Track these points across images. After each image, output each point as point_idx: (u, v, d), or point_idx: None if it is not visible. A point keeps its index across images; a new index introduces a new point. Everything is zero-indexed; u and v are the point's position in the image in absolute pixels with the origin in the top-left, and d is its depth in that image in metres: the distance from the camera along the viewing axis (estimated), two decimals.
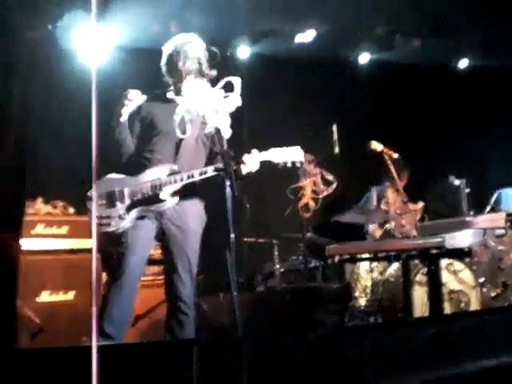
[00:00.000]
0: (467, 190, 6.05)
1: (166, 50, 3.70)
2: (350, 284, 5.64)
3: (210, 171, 3.48)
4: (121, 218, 3.53)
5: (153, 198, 3.53)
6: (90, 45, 5.99)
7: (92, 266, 2.09)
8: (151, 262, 4.83)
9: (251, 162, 3.51)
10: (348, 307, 5.47)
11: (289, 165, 3.65)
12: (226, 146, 3.20)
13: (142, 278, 5.45)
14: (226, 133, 3.24)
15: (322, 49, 7.58)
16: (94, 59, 2.14)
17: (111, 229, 3.52)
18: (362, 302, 5.67)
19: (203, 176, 3.49)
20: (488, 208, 6.06)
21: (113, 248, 3.58)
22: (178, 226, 3.62)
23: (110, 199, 3.55)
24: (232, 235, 3.01)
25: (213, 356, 2.39)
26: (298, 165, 3.65)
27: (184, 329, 3.59)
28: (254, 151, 3.56)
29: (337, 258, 5.60)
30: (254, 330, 4.38)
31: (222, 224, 3.16)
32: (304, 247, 6.16)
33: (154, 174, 3.55)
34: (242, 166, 3.47)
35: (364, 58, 8.21)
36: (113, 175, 3.64)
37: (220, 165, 3.37)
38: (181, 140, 3.58)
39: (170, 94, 3.68)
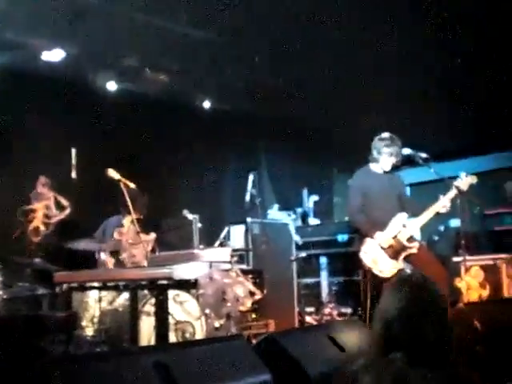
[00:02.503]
0: (199, 225, 6.29)
1: None
2: (77, 313, 5.49)
3: None
4: None
5: None
6: None
7: None
8: None
9: None
10: (74, 337, 5.32)
11: None
12: None
13: None
14: None
15: (69, 70, 7.42)
16: None
17: None
18: (89, 331, 5.55)
19: None
20: (217, 243, 6.36)
21: None
22: None
23: None
24: None
25: None
26: None
27: None
28: None
29: (65, 286, 5.44)
30: None
31: None
32: (31, 273, 5.89)
33: None
34: None
35: (112, 85, 8.20)
36: None
37: None
38: None
39: None
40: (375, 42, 6.94)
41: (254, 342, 3.80)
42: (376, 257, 5.59)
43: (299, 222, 8.88)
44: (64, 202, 6.65)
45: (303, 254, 7.44)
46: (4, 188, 6.85)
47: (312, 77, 7.92)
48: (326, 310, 7.57)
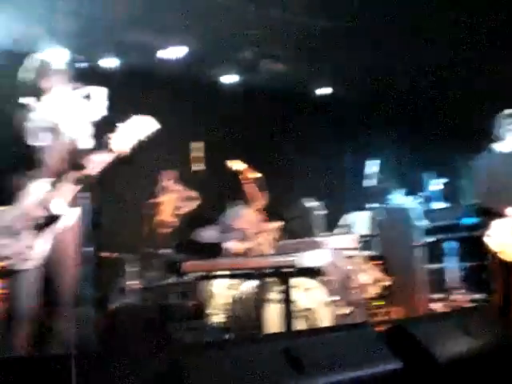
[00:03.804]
0: (322, 212, 6.28)
1: (27, 65, 3.58)
2: (206, 301, 5.65)
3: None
4: (31, 248, 3.36)
5: (50, 217, 3.38)
6: None
7: None
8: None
9: (118, 144, 3.45)
10: (203, 324, 5.48)
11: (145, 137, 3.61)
12: (83, 157, 3.12)
13: None
14: (86, 142, 3.16)
15: (188, 66, 7.62)
16: None
17: (30, 264, 3.36)
18: (218, 318, 5.69)
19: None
20: (341, 229, 6.32)
21: None
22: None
23: (10, 233, 3.36)
24: (85, 249, 2.93)
25: (63, 371, 2.32)
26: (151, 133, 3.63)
27: None
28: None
29: (193, 275, 5.60)
30: (108, 346, 4.28)
31: None
32: (161, 263, 6.11)
33: (35, 194, 3.40)
34: (114, 142, 3.41)
35: (230, 78, 8.35)
36: None
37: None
38: (43, 148, 3.48)
39: (27, 99, 3.54)
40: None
41: (380, 329, 3.74)
42: (504, 240, 5.35)
43: (424, 207, 8.66)
44: (191, 194, 6.83)
45: (429, 239, 7.26)
46: (133, 183, 7.14)
47: (432, 58, 7.68)
48: (454, 297, 7.35)
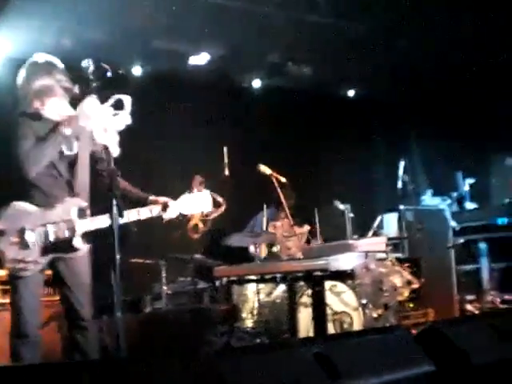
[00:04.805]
0: (351, 215, 6.25)
1: (26, 72, 3.71)
2: (237, 306, 5.67)
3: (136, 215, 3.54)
4: (36, 263, 3.35)
5: (66, 245, 3.39)
6: None
7: None
8: None
9: (172, 211, 3.76)
10: (235, 328, 5.49)
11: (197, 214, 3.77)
12: (113, 165, 3.14)
13: None
14: (115, 151, 3.18)
15: (215, 72, 7.65)
16: None
17: (27, 274, 3.34)
18: (249, 323, 5.71)
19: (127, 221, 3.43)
20: (371, 232, 6.28)
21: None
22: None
23: (23, 238, 3.33)
24: (117, 256, 2.95)
25: (98, 377, 2.34)
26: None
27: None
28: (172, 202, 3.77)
29: (224, 280, 5.62)
30: (139, 352, 4.30)
31: (108, 245, 3.10)
32: (192, 269, 6.14)
33: (64, 211, 3.39)
34: (165, 214, 3.72)
35: (256, 83, 8.36)
36: (20, 204, 3.41)
37: (153, 209, 3.63)
38: (74, 158, 3.51)
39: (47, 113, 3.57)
40: None
41: (412, 331, 3.71)
42: None
43: (455, 207, 8.57)
44: (219, 199, 6.86)
45: (461, 240, 7.19)
46: (160, 189, 7.17)
47: (463, 56, 7.59)
48: (488, 298, 7.26)
